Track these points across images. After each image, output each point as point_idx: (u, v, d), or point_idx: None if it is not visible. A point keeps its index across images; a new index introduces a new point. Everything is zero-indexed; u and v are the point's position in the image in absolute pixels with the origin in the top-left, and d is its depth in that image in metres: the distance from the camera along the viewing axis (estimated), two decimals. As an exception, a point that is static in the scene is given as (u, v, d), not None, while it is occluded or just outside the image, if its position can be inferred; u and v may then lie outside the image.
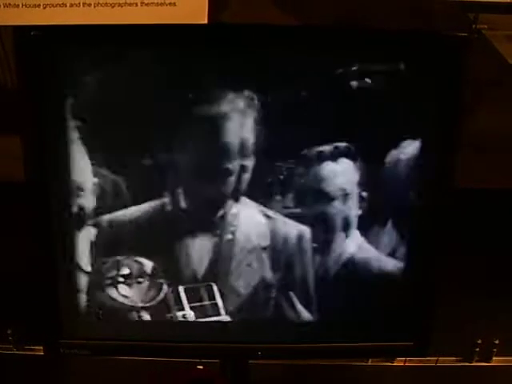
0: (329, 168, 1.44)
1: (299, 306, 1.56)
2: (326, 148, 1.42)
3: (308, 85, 1.39)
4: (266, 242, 1.50)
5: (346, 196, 1.46)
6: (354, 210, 1.48)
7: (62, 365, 1.94)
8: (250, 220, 1.48)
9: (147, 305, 1.55)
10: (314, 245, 1.50)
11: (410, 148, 1.45)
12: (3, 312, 1.84)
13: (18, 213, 1.52)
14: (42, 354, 1.80)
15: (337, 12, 1.57)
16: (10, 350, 1.95)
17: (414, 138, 1.44)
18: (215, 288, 1.54)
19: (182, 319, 1.57)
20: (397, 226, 1.51)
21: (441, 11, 1.54)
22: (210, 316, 1.57)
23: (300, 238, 1.50)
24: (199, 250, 1.50)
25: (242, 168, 1.43)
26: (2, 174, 1.75)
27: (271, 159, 1.43)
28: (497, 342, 1.94)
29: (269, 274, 1.53)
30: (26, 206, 1.48)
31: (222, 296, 1.55)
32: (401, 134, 1.43)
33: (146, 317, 1.57)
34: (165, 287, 1.53)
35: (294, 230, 1.49)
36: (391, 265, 1.55)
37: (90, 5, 1.39)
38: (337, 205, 1.47)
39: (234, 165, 1.42)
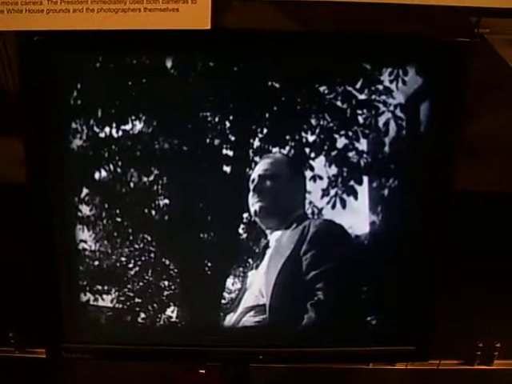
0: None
1: (301, 310, 1.56)
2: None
3: (312, 88, 1.40)
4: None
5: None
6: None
7: (64, 368, 1.93)
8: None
9: (148, 311, 1.56)
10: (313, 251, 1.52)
11: (410, 150, 1.46)
12: (5, 315, 1.84)
13: (18, 215, 1.52)
14: (44, 356, 1.79)
15: (338, 17, 1.57)
16: (11, 352, 1.94)
17: (414, 140, 1.45)
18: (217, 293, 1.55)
19: (184, 323, 1.57)
20: (397, 229, 1.52)
21: (443, 16, 1.53)
22: (213, 322, 1.58)
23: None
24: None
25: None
26: (2, 175, 1.74)
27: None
28: (498, 345, 1.94)
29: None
30: (28, 207, 1.48)
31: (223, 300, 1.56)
32: (402, 136, 1.44)
33: (148, 321, 1.57)
34: (167, 291, 1.54)
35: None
36: (392, 270, 1.55)
37: (93, 10, 1.38)
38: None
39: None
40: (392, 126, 1.43)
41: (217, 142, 1.42)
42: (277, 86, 1.40)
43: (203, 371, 1.72)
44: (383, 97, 1.41)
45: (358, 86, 1.40)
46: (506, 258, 1.83)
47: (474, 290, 1.83)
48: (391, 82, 1.40)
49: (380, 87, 1.40)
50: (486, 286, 1.83)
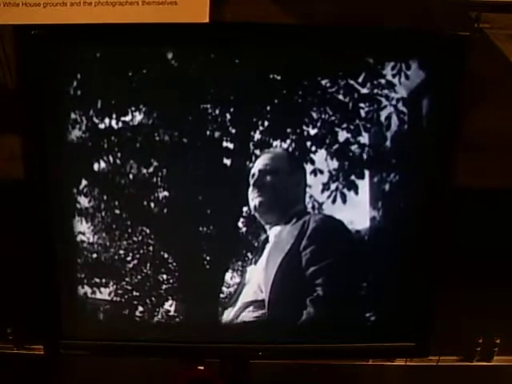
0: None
1: (300, 305, 1.56)
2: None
3: (314, 82, 1.40)
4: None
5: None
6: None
7: (62, 364, 1.93)
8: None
9: (147, 305, 1.55)
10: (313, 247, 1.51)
11: (406, 144, 1.45)
12: (3, 311, 1.83)
13: (15, 211, 1.52)
14: (42, 353, 1.78)
15: (337, 10, 1.56)
16: (9, 349, 1.94)
17: (416, 135, 1.44)
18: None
19: (182, 318, 1.56)
20: (398, 224, 1.51)
21: (443, 10, 1.53)
22: (211, 317, 1.57)
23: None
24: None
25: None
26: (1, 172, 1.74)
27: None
28: (498, 341, 1.94)
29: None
30: (26, 200, 1.47)
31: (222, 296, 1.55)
32: (403, 130, 1.43)
33: (146, 315, 1.56)
34: (166, 285, 1.54)
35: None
36: (391, 266, 1.55)
37: (90, 3, 1.38)
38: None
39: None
40: (394, 121, 1.42)
41: (217, 134, 1.42)
42: (278, 78, 1.39)
43: (202, 367, 1.71)
44: (385, 91, 1.40)
45: (360, 79, 1.39)
46: (506, 253, 1.82)
47: (474, 285, 1.82)
48: (394, 76, 1.39)
49: (382, 81, 1.40)
50: (486, 282, 1.83)
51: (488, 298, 1.84)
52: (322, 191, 1.46)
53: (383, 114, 1.42)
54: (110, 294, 1.54)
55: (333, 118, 1.41)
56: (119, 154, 1.43)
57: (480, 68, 1.48)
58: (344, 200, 1.46)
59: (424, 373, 1.95)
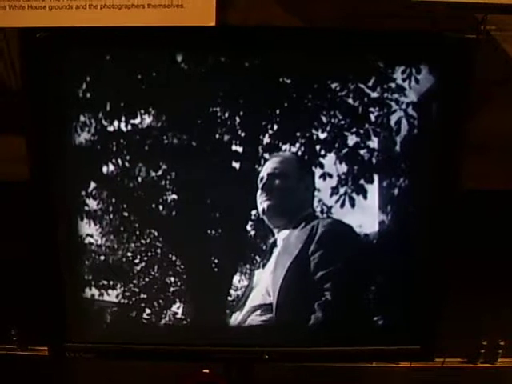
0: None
1: (308, 309, 1.56)
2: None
3: (324, 85, 1.40)
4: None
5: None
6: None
7: (66, 366, 1.93)
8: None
9: (154, 308, 1.55)
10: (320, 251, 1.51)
11: (415, 148, 1.45)
12: (7, 312, 1.83)
13: (23, 213, 1.52)
14: (46, 354, 1.78)
15: (341, 13, 1.56)
16: (13, 350, 1.93)
17: (424, 140, 1.44)
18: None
19: (189, 320, 1.56)
20: (405, 228, 1.51)
21: (449, 13, 1.53)
22: (219, 320, 1.57)
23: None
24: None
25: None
26: (3, 173, 1.73)
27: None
28: (502, 343, 1.94)
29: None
30: (33, 202, 1.47)
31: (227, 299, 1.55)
32: (413, 135, 1.43)
33: (153, 318, 1.56)
34: (173, 287, 1.54)
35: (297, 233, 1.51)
36: (399, 270, 1.55)
37: (96, 6, 1.38)
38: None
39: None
40: (404, 125, 1.42)
41: (226, 137, 1.42)
42: (287, 81, 1.39)
43: (207, 371, 1.71)
44: (395, 95, 1.40)
45: (370, 83, 1.39)
46: (510, 255, 1.82)
47: (479, 287, 1.82)
48: (404, 80, 1.39)
49: (392, 85, 1.40)
50: (491, 284, 1.83)
51: (492, 299, 1.85)
52: (331, 195, 1.46)
53: (393, 119, 1.41)
54: (117, 297, 1.54)
55: (342, 121, 1.41)
56: (128, 157, 1.43)
57: (486, 70, 1.48)
58: (353, 204, 1.46)
59: (428, 375, 1.95)
